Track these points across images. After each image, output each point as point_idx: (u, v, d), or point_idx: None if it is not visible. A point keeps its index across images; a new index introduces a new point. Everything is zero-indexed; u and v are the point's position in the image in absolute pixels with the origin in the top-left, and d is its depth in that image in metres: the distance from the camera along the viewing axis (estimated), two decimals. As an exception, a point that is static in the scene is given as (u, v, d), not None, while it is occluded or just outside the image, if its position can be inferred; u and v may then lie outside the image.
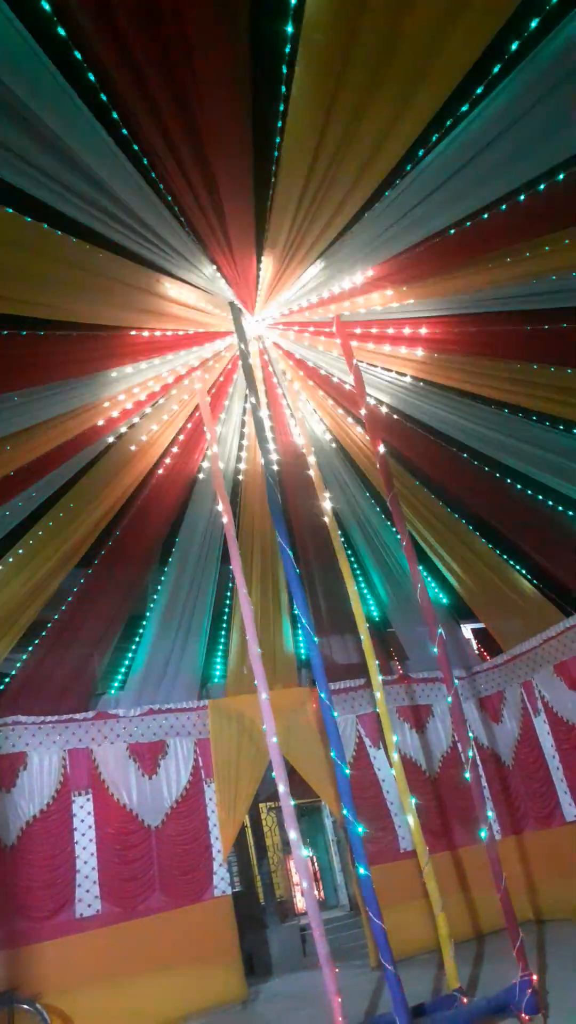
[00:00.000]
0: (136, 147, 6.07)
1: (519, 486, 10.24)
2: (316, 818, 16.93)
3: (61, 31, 5.07)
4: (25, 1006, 7.87)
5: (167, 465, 9.67)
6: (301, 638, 11.31)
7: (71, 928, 8.96)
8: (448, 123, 6.20)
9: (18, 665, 10.37)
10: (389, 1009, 5.98)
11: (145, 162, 6.19)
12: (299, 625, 7.15)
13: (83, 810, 9.63)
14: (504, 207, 6.89)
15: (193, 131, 5.73)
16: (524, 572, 11.60)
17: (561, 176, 6.65)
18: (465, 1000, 6.64)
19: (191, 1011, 8.96)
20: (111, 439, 9.04)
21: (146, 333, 7.98)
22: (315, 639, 7.06)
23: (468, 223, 7.04)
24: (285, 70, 5.70)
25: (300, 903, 14.04)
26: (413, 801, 7.98)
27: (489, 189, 6.76)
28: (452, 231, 7.14)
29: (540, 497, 10.30)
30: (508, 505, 10.61)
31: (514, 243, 7.18)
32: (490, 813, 10.79)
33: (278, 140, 6.17)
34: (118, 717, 10.39)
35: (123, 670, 11.53)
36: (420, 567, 8.01)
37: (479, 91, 5.94)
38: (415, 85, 5.76)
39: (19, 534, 9.26)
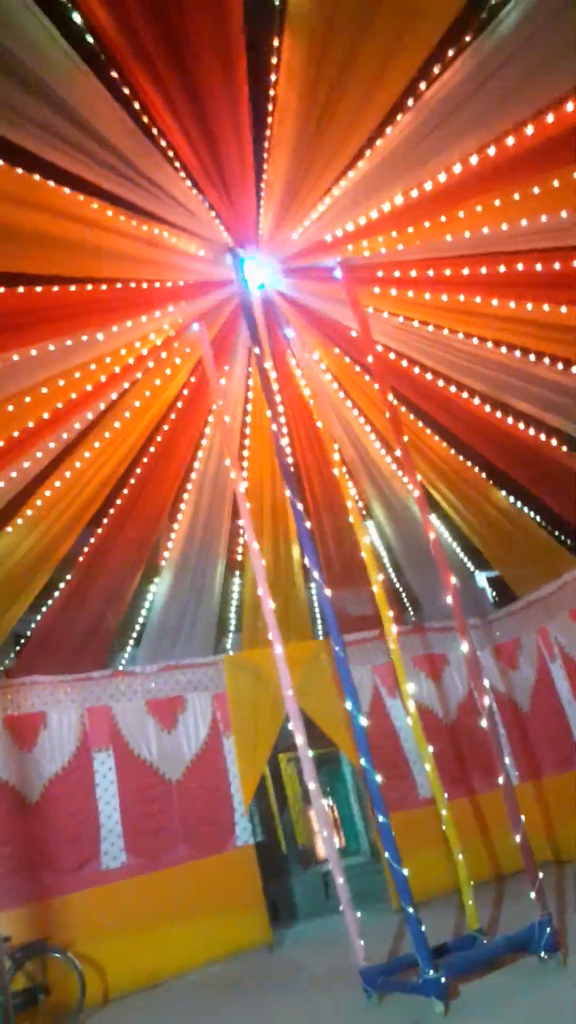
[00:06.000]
0: (125, 90, 5.85)
1: (532, 431, 10.05)
2: (335, 767, 17.10)
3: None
4: (57, 955, 8.07)
5: (173, 420, 9.55)
6: (314, 591, 11.30)
7: (97, 880, 9.14)
8: (451, 53, 5.94)
9: (32, 626, 10.42)
10: (411, 950, 6.06)
11: (137, 106, 5.97)
12: (311, 578, 7.11)
13: (104, 766, 9.75)
14: (511, 140, 6.61)
15: (181, 62, 5.51)
16: (538, 518, 11.48)
17: (571, 106, 6.37)
18: (485, 940, 6.73)
19: (218, 955, 9.18)
20: (114, 396, 8.92)
21: (144, 285, 7.80)
22: (327, 592, 7.02)
23: (474, 158, 6.77)
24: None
25: (322, 850, 14.29)
26: (430, 749, 8.01)
27: (496, 121, 6.48)
28: (458, 167, 6.87)
29: (554, 442, 10.11)
30: (520, 451, 10.44)
31: (523, 178, 6.91)
32: (507, 759, 10.86)
33: (273, 78, 5.94)
34: (135, 674, 10.46)
35: (138, 626, 11.59)
36: (433, 516, 7.91)
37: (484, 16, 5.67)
38: (414, 11, 5.49)
39: (28, 494, 9.22)
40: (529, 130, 6.53)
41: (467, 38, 5.79)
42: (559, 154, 6.61)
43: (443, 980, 5.58)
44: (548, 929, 6.01)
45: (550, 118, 6.43)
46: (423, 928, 5.91)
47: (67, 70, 5.45)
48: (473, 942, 6.76)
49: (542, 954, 5.97)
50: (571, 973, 5.73)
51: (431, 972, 5.62)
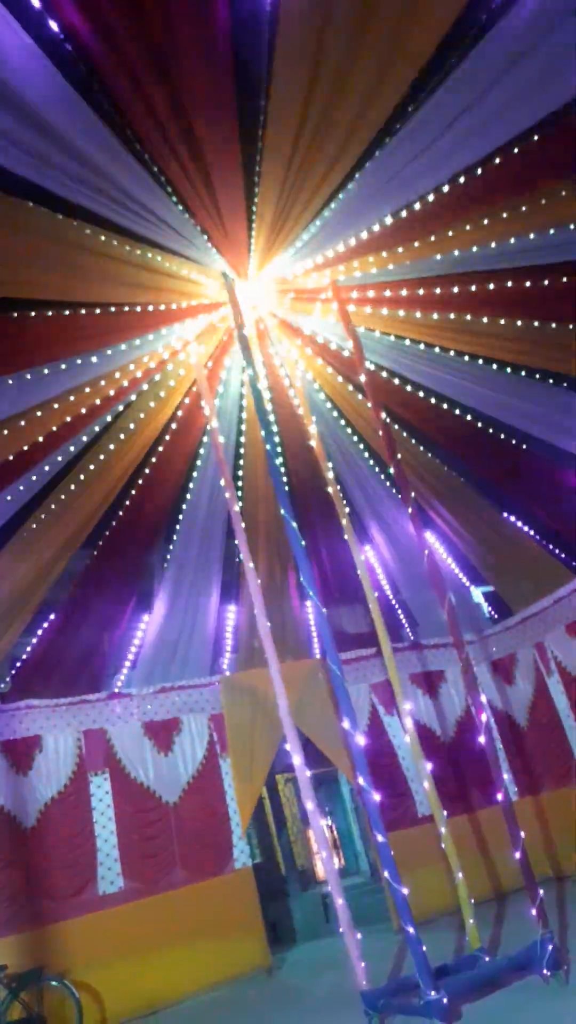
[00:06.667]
0: (119, 119, 5.93)
1: (524, 447, 10.12)
2: (334, 787, 17.03)
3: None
4: (54, 983, 7.96)
5: (167, 442, 9.58)
6: (311, 609, 11.29)
7: (94, 906, 9.02)
8: (436, 78, 6.05)
9: (28, 649, 10.37)
10: (412, 971, 6.00)
11: (129, 133, 6.05)
12: (307, 597, 7.10)
13: (100, 790, 9.67)
14: (498, 160, 6.72)
15: (175, 97, 5.59)
16: (532, 533, 11.52)
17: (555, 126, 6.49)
18: (487, 959, 6.67)
19: (217, 981, 9.06)
20: (109, 418, 8.95)
21: (138, 308, 7.85)
22: (323, 611, 7.01)
23: (461, 179, 6.88)
24: (268, 31, 5.55)
25: (321, 871, 14.18)
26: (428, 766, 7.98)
27: (480, 143, 6.59)
28: (446, 187, 6.98)
29: (546, 457, 10.17)
30: (514, 467, 10.49)
31: (509, 197, 7.02)
32: (506, 775, 10.82)
33: (263, 103, 6.02)
34: (131, 696, 10.40)
35: (134, 649, 11.53)
36: (427, 533, 7.93)
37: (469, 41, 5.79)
38: (401, 40, 5.60)
39: (23, 517, 9.21)
40: (515, 150, 6.65)
41: (453, 60, 5.91)
42: (545, 173, 6.73)
43: (445, 1002, 5.52)
44: (550, 947, 5.97)
45: (535, 137, 6.56)
46: (424, 948, 5.86)
47: (61, 99, 5.52)
48: (475, 962, 6.69)
49: (545, 972, 5.93)
50: (574, 991, 5.69)
51: (433, 994, 5.56)
